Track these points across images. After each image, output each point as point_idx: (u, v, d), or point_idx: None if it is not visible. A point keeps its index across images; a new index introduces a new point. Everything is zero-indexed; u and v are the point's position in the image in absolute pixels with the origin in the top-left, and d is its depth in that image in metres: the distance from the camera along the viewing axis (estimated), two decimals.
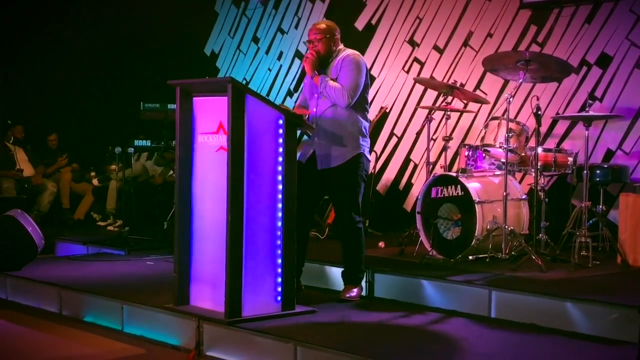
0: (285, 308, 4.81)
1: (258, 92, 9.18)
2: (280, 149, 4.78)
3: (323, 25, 5.25)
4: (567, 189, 6.50)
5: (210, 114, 4.84)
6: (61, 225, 8.89)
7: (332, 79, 5.14)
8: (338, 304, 5.18)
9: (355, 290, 5.28)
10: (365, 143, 5.28)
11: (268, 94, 9.35)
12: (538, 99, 5.87)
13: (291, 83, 9.13)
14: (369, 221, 7.66)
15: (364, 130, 5.25)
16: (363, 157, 5.25)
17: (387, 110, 8.13)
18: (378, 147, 8.19)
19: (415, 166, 7.96)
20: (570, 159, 5.93)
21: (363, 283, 5.41)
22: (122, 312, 5.20)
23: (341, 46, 5.29)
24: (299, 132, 5.18)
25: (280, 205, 4.78)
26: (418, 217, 6.05)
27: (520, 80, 5.77)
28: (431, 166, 6.54)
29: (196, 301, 4.92)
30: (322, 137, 5.21)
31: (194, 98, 4.93)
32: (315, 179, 5.23)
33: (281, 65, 9.25)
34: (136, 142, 8.48)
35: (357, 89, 5.12)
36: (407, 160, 8.04)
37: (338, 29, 5.29)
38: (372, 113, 7.98)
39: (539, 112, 5.78)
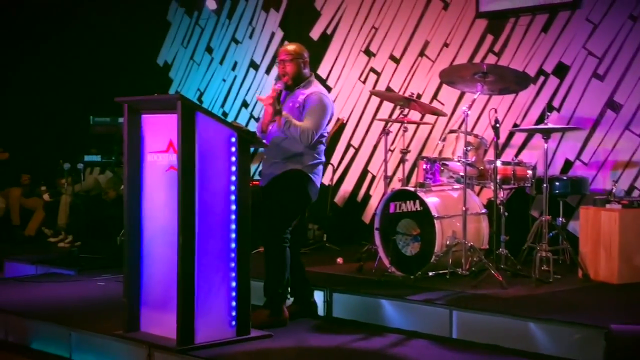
0: (240, 333, 4.62)
1: (213, 102, 9.22)
2: (233, 168, 4.60)
3: (292, 47, 5.18)
4: (525, 200, 6.40)
5: (159, 132, 4.64)
6: (11, 243, 8.60)
7: (294, 112, 5.02)
8: (294, 326, 5.01)
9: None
10: (313, 163, 5.04)
11: (223, 105, 9.17)
12: (496, 112, 5.76)
13: (246, 94, 8.95)
14: (327, 235, 7.52)
15: (314, 150, 5.06)
16: (303, 175, 5.02)
17: (344, 122, 8.00)
18: (335, 159, 8.06)
19: (373, 177, 7.84)
20: (530, 172, 5.82)
21: (319, 302, 5.29)
22: (70, 339, 4.97)
23: (312, 76, 5.20)
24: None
25: (233, 227, 4.60)
26: (376, 233, 5.92)
27: (478, 93, 5.67)
28: (389, 179, 6.42)
29: (147, 327, 4.71)
30: (270, 152, 5.09)
31: (143, 115, 4.73)
32: None
33: (236, 76, 9.07)
34: (86, 157, 8.26)
35: (319, 131, 5.03)
36: (364, 171, 7.92)
37: (307, 51, 5.20)
38: (329, 124, 7.84)
39: (497, 125, 5.67)
